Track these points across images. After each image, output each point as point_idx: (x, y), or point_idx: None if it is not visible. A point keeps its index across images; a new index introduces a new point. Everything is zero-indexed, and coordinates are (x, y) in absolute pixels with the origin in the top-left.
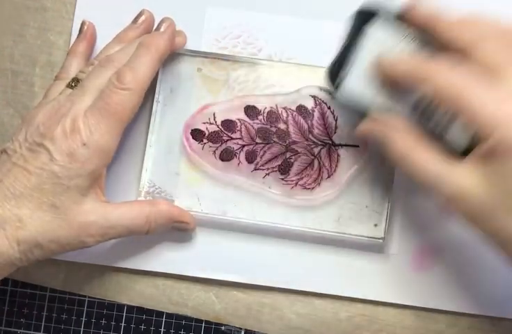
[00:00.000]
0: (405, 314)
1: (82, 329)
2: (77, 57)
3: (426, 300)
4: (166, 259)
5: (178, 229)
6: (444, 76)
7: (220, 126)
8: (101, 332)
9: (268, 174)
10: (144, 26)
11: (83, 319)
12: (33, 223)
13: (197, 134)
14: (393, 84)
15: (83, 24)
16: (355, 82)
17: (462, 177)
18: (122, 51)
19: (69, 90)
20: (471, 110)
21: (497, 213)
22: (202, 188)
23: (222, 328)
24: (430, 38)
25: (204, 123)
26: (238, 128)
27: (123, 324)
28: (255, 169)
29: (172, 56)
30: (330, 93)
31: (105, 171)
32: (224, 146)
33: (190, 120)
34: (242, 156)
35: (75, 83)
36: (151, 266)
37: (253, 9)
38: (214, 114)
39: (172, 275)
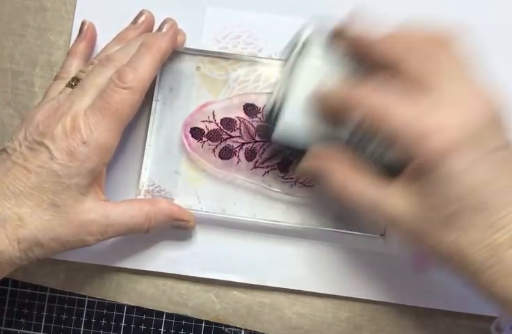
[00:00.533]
0: (406, 314)
1: (82, 329)
2: (77, 57)
3: (426, 300)
4: (166, 259)
5: (178, 228)
6: (368, 100)
7: (220, 125)
8: (101, 332)
9: (267, 172)
10: (144, 26)
11: (83, 319)
12: (33, 222)
13: (196, 132)
14: (329, 115)
15: (83, 23)
16: (292, 117)
17: (395, 199)
18: (121, 50)
19: (69, 90)
20: (394, 131)
21: (432, 228)
22: (201, 187)
23: (223, 328)
24: (364, 58)
25: (203, 121)
26: (238, 126)
27: (123, 324)
28: (255, 167)
29: (171, 54)
30: (267, 133)
31: (105, 170)
32: (223, 144)
33: (190, 118)
34: (241, 154)
35: (75, 82)
36: (151, 266)
37: (253, 9)
38: (213, 112)
39: (172, 275)
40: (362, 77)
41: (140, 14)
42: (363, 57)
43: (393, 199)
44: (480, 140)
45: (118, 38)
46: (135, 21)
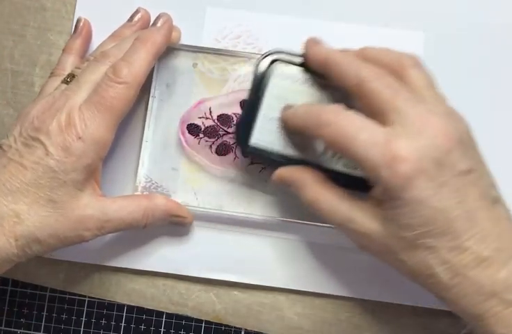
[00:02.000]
0: (405, 314)
1: (82, 329)
2: (73, 53)
3: (426, 300)
4: (166, 259)
5: (175, 224)
6: (334, 122)
7: (216, 121)
8: (101, 332)
9: (264, 168)
10: (139, 23)
11: (83, 319)
12: (31, 219)
13: (193, 129)
14: (297, 132)
15: (78, 20)
16: (263, 134)
17: (366, 216)
18: (117, 46)
19: (65, 86)
20: (359, 155)
21: (400, 247)
22: (198, 183)
23: (223, 328)
24: (329, 78)
25: (200, 118)
26: (234, 122)
27: (123, 324)
28: (251, 163)
29: (168, 51)
30: (241, 148)
31: (101, 165)
32: (220, 140)
33: (186, 114)
34: (238, 150)
35: (70, 78)
36: (151, 265)
37: (253, 9)
38: (210, 109)
39: (172, 275)
40: (329, 98)
41: (136, 12)
42: (328, 77)
43: (364, 216)
44: (444, 166)
45: (114, 36)
46: (131, 18)
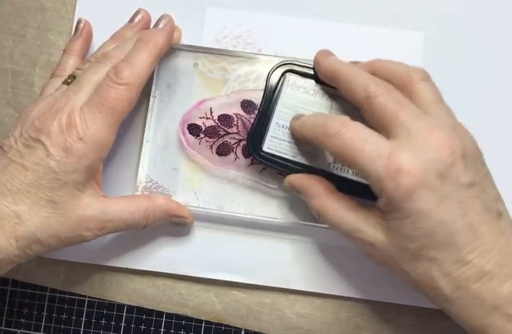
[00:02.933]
0: (406, 314)
1: (82, 329)
2: (73, 54)
3: (427, 300)
4: (166, 259)
5: (176, 224)
6: (339, 134)
7: (217, 121)
8: (101, 332)
9: (265, 168)
10: (140, 24)
11: (83, 319)
12: (31, 219)
13: (193, 129)
14: (306, 142)
15: (79, 22)
16: (274, 141)
17: (371, 227)
18: (118, 47)
19: (66, 87)
20: (363, 167)
21: (403, 258)
22: (199, 183)
23: (223, 328)
24: (339, 90)
25: (200, 118)
26: (235, 122)
27: (123, 324)
28: (252, 163)
29: (169, 51)
30: (252, 155)
31: (101, 166)
32: (221, 141)
33: (187, 114)
34: (239, 150)
35: (71, 79)
36: (151, 265)
37: (253, 9)
38: (211, 109)
39: (172, 275)
40: (340, 109)
41: (137, 13)
42: (338, 89)
43: (369, 226)
44: (447, 179)
45: (115, 37)
46: (131, 20)
